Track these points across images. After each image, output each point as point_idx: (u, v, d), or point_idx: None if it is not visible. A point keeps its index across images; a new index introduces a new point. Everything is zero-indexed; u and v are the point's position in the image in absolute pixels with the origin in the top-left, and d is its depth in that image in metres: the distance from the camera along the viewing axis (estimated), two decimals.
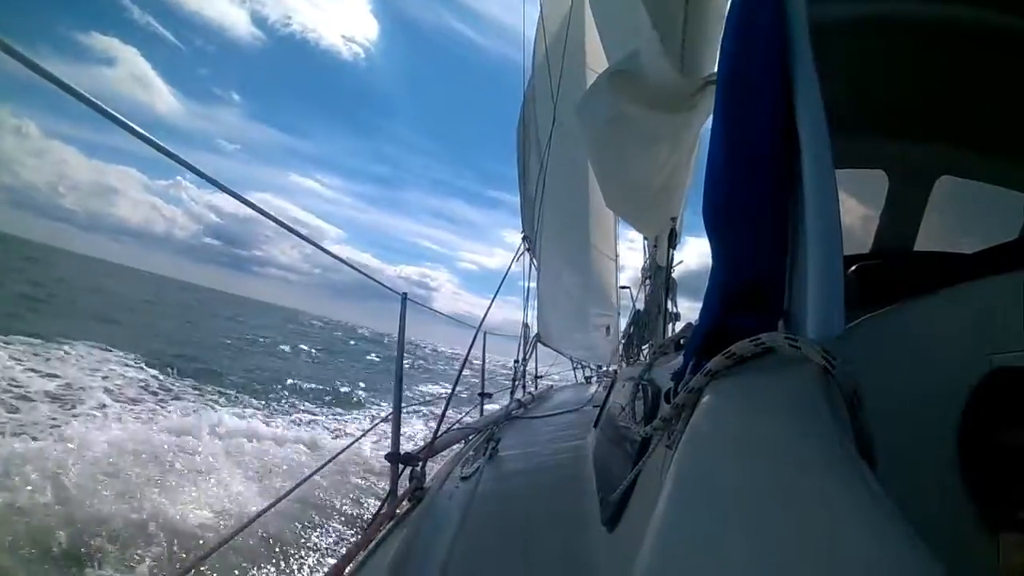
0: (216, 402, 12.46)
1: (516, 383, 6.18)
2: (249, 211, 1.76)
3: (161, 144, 1.30)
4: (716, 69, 2.20)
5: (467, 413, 5.09)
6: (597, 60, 4.78)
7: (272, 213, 1.87)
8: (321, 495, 7.11)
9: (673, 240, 4.26)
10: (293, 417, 12.58)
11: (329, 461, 3.04)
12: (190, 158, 1.38)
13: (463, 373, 3.53)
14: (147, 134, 1.27)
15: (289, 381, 17.20)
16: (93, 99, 1.12)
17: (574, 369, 9.21)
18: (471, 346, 3.58)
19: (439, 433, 3.02)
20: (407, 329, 2.91)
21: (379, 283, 3.05)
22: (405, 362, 2.95)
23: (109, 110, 1.18)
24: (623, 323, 6.87)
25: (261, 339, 33.50)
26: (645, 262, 5.62)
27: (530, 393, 6.32)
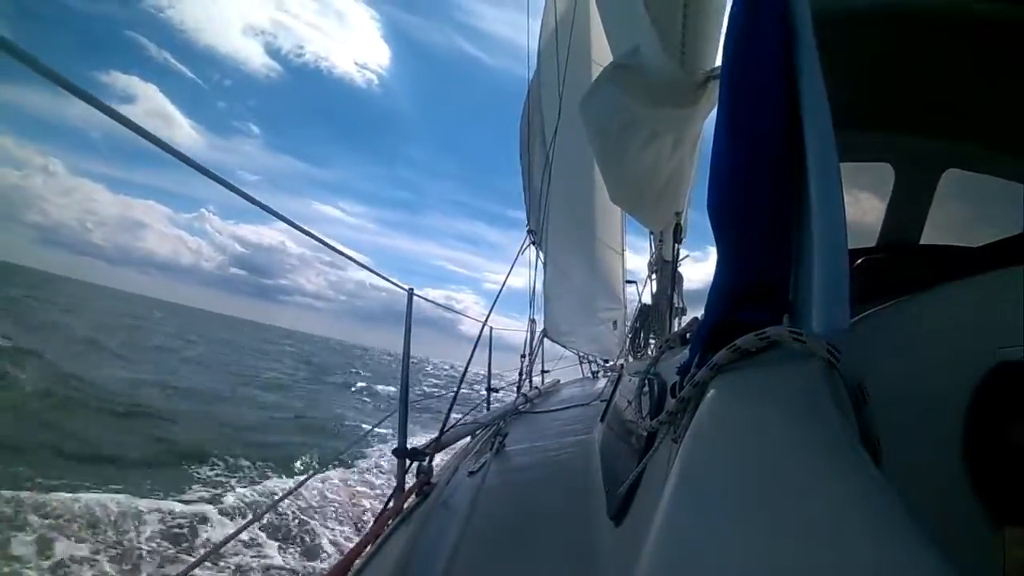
0: None
1: (523, 378, 6.19)
2: (271, 240, 1.79)
3: (198, 163, 1.31)
4: (718, 63, 2.19)
5: (474, 408, 5.10)
6: (602, 53, 4.75)
7: (285, 215, 1.88)
8: None
9: (678, 234, 4.26)
10: None
11: (336, 457, 3.06)
12: (213, 190, 1.39)
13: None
14: (187, 154, 1.28)
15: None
16: (136, 122, 1.13)
17: (580, 364, 9.21)
18: (477, 341, 3.59)
19: (446, 428, 3.03)
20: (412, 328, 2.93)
21: (385, 279, 3.06)
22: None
23: (152, 133, 1.19)
24: (630, 317, 6.86)
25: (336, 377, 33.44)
26: (651, 256, 5.61)
27: (537, 388, 6.32)
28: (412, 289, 2.98)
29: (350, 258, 2.69)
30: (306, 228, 2.07)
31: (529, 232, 6.10)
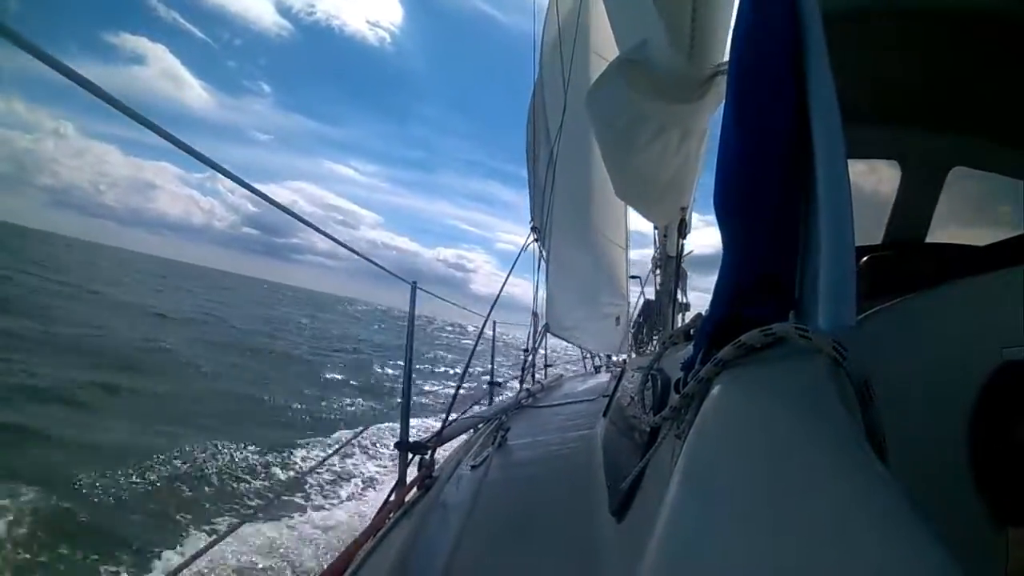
0: None
1: (525, 372, 6.19)
2: (283, 200, 1.78)
3: (181, 139, 1.30)
4: (726, 58, 2.18)
5: (476, 402, 5.10)
6: (607, 47, 4.74)
7: (280, 202, 1.88)
8: None
9: (683, 230, 4.25)
10: None
11: (340, 448, 3.07)
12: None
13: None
14: (168, 130, 1.27)
15: None
16: (125, 103, 1.13)
17: (584, 359, 9.22)
18: (480, 334, 3.59)
19: (448, 422, 3.04)
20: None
21: (390, 272, 3.05)
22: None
23: (141, 113, 1.18)
24: (633, 312, 6.86)
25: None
26: (655, 252, 5.60)
27: (539, 382, 6.33)
28: (415, 283, 2.98)
29: (353, 250, 2.69)
30: (307, 220, 2.07)
31: (533, 229, 6.10)
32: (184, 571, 1.87)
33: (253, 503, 6.58)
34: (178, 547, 5.46)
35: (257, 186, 1.64)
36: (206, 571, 4.79)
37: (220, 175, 1.48)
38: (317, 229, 2.19)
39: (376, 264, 2.96)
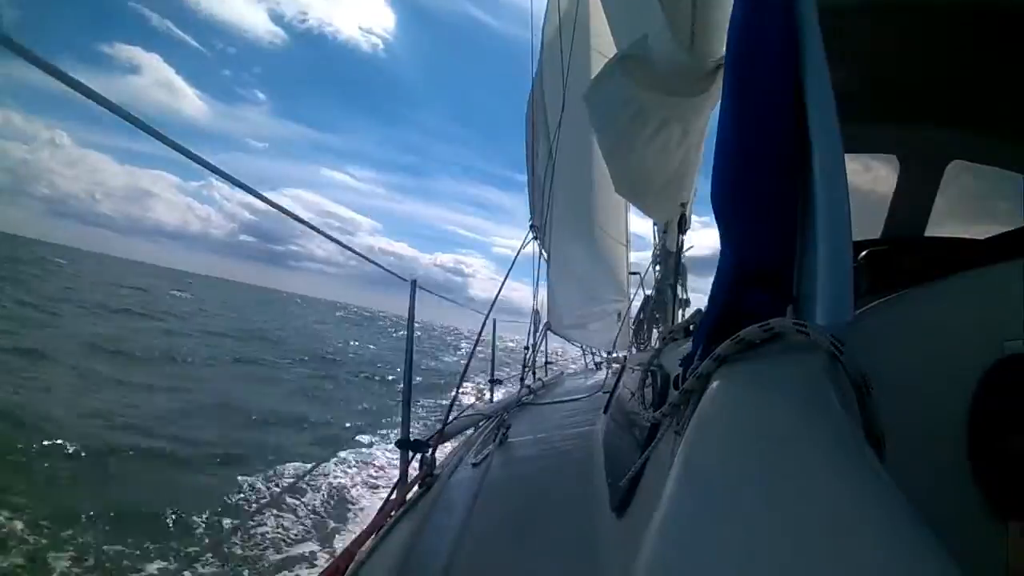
0: None
1: (526, 369, 6.20)
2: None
3: (181, 145, 1.31)
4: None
5: (477, 399, 5.10)
6: (606, 44, 4.73)
7: (280, 204, 1.87)
8: None
9: (683, 225, 4.25)
10: None
11: (331, 456, 3.07)
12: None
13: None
14: (168, 135, 1.27)
15: None
16: (123, 108, 1.13)
17: (584, 355, 9.22)
18: (480, 332, 3.59)
19: (449, 419, 3.04)
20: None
21: (389, 271, 3.05)
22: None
23: (140, 118, 1.18)
24: (633, 309, 6.86)
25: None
26: (655, 248, 5.60)
27: (540, 379, 6.33)
28: (415, 281, 2.97)
29: (352, 250, 2.69)
30: (306, 219, 2.07)
31: (532, 227, 6.10)
32: None
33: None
34: None
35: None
36: None
37: (216, 181, 1.48)
38: (316, 230, 2.19)
39: (375, 263, 2.96)
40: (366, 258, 2.85)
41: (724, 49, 2.21)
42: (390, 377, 20.68)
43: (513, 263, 4.48)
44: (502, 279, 4.06)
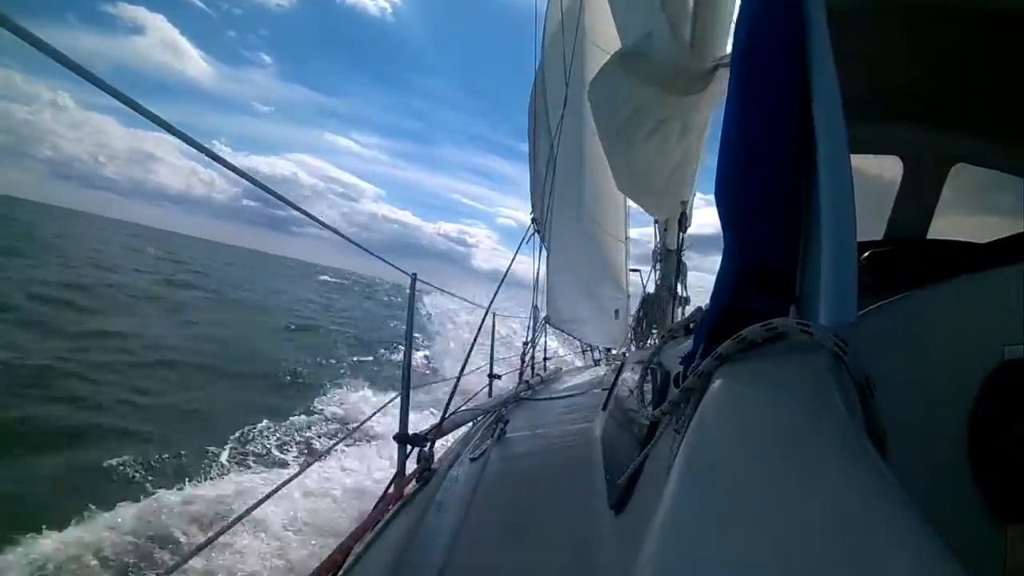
0: None
1: (525, 365, 6.19)
2: (283, 172, 1.78)
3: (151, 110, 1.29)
4: (728, 51, 2.17)
5: (476, 394, 5.11)
6: (608, 39, 4.73)
7: (264, 183, 1.86)
8: None
9: (683, 223, 4.25)
10: None
11: (339, 441, 3.07)
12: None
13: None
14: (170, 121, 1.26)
15: None
16: (123, 93, 1.12)
17: (583, 352, 9.22)
18: (480, 327, 3.59)
19: (447, 414, 3.04)
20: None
21: (389, 264, 3.04)
22: None
23: (140, 103, 1.17)
24: (633, 306, 6.86)
25: None
26: (656, 245, 5.60)
27: (539, 375, 6.33)
28: (415, 275, 2.97)
29: (350, 239, 2.68)
30: (299, 205, 2.07)
31: (533, 221, 6.10)
32: None
33: None
34: None
35: (258, 158, 1.64)
36: None
37: (222, 146, 1.47)
38: (314, 218, 2.18)
39: (381, 258, 2.95)
40: (366, 250, 2.84)
41: (724, 49, 2.22)
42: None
43: (513, 260, 4.47)
44: (504, 253, 4.04)
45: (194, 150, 1.29)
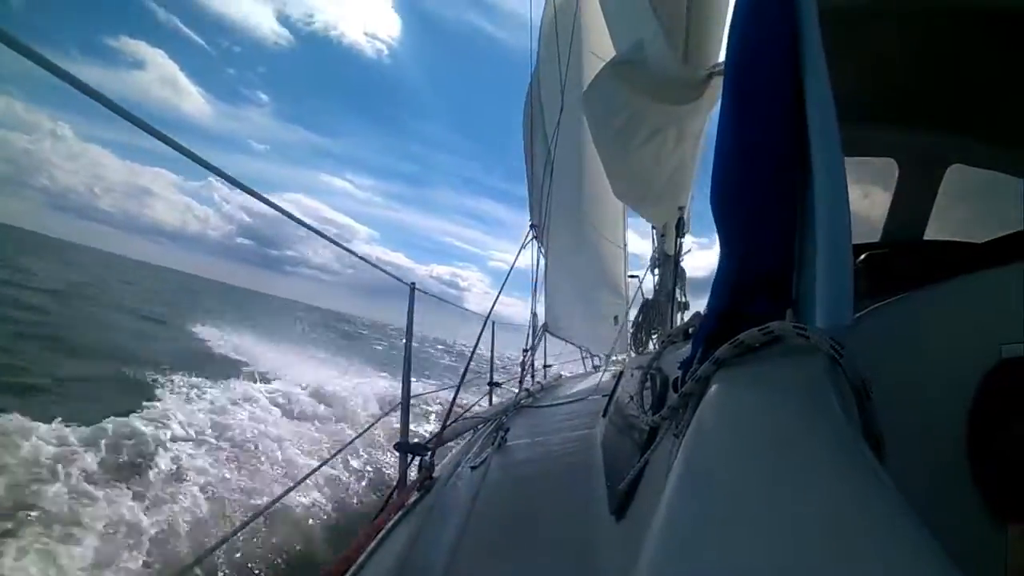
0: None
1: (525, 372, 6.18)
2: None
3: (184, 146, 1.30)
4: (722, 59, 2.19)
5: (476, 403, 5.09)
6: (603, 47, 4.75)
7: (290, 211, 1.87)
8: None
9: (681, 229, 4.26)
10: None
11: (340, 451, 3.06)
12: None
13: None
14: (171, 136, 1.27)
15: None
16: (124, 107, 1.13)
17: (583, 358, 9.21)
18: (479, 336, 3.58)
19: (448, 423, 3.03)
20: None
21: (389, 274, 3.05)
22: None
23: (142, 118, 1.18)
24: (632, 312, 6.85)
25: None
26: (654, 251, 5.60)
27: (539, 382, 6.31)
28: (414, 284, 2.97)
29: (353, 252, 2.69)
30: (314, 224, 2.07)
31: (532, 227, 6.10)
32: None
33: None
34: None
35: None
36: None
37: (216, 182, 1.48)
38: (318, 232, 2.19)
39: (376, 266, 2.96)
40: (367, 260, 2.85)
41: (717, 58, 2.23)
42: None
43: (515, 259, 4.48)
44: (497, 292, 4.07)
45: (190, 184, 1.30)
